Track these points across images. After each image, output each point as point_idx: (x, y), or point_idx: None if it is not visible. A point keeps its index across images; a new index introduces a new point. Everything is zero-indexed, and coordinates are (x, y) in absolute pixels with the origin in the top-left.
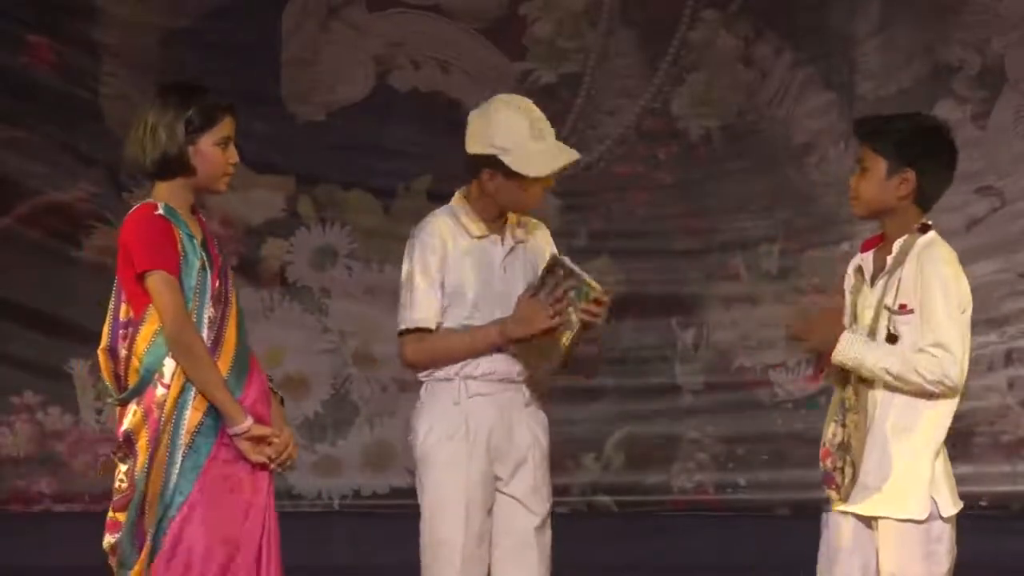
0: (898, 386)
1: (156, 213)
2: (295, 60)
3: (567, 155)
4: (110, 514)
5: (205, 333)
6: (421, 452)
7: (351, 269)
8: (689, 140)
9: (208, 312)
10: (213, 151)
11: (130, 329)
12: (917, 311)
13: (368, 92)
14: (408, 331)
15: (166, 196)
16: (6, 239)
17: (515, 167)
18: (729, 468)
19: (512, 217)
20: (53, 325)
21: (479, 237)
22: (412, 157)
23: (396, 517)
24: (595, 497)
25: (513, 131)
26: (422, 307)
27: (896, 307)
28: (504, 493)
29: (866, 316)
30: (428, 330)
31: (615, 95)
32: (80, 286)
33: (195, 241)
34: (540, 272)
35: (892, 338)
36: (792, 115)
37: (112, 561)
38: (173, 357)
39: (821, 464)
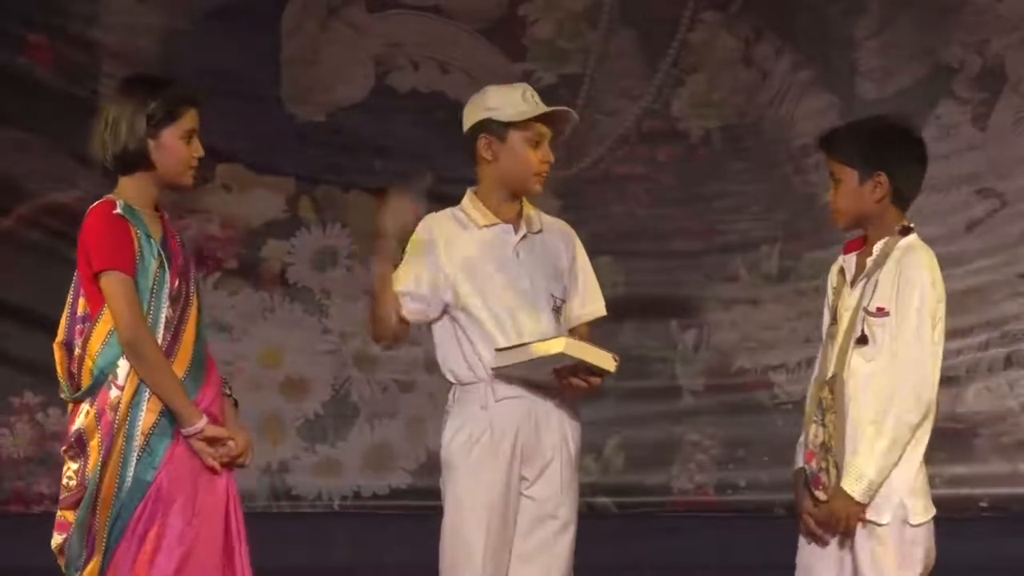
0: (908, 437)
1: (114, 212)
2: (295, 60)
3: (553, 107)
4: (59, 514)
5: (161, 334)
6: (445, 455)
7: (351, 270)
8: (689, 141)
9: (165, 312)
10: (177, 144)
11: (86, 325)
12: (892, 314)
13: (368, 92)
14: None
15: (129, 192)
16: (6, 239)
17: (503, 118)
18: (729, 469)
19: (529, 208)
20: (53, 326)
21: (486, 225)
22: (412, 157)
23: (396, 518)
24: (595, 498)
25: (505, 95)
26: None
27: (873, 309)
28: (526, 495)
29: (845, 318)
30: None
31: (615, 96)
32: None
33: (153, 241)
34: (540, 352)
35: (863, 339)
36: (792, 116)
37: (60, 561)
38: (127, 359)
39: (806, 466)
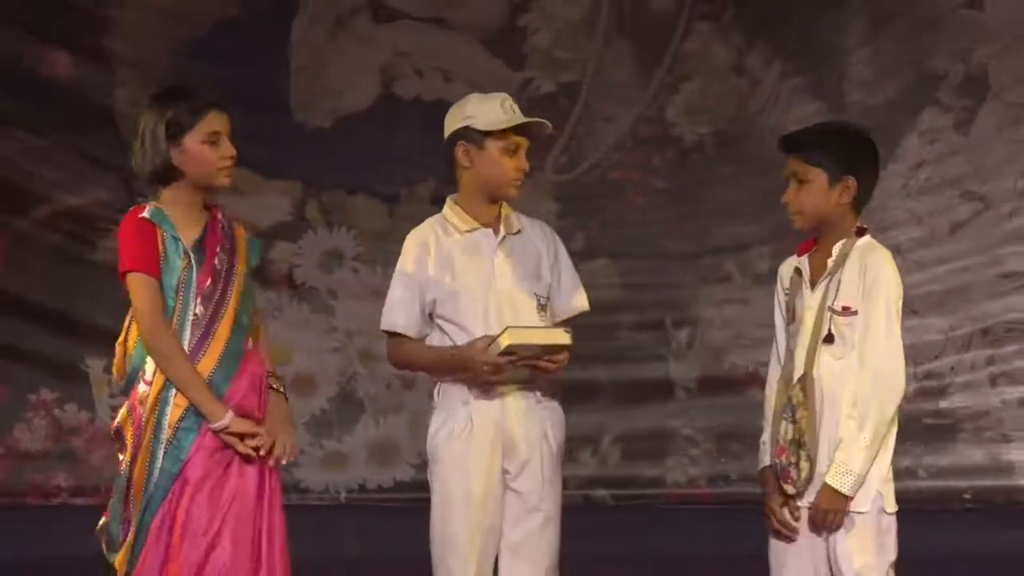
0: (887, 430)
1: (140, 216)
2: (303, 69)
3: (529, 118)
4: (111, 501)
5: (189, 330)
6: (431, 449)
7: (357, 271)
8: (683, 146)
9: (196, 310)
10: (200, 149)
11: (130, 324)
12: (861, 312)
13: (373, 100)
14: (387, 331)
15: (170, 199)
16: (24, 242)
17: (482, 126)
18: (721, 462)
19: (507, 210)
20: (69, 325)
21: (468, 231)
22: (415, 163)
23: (400, 510)
24: (592, 491)
25: (484, 104)
26: (396, 313)
27: (839, 308)
28: (512, 488)
29: (808, 318)
30: (404, 335)
31: (612, 103)
32: (94, 287)
33: (180, 242)
34: (497, 349)
35: (830, 338)
36: (782, 123)
37: (102, 544)
38: (149, 356)
39: (776, 460)
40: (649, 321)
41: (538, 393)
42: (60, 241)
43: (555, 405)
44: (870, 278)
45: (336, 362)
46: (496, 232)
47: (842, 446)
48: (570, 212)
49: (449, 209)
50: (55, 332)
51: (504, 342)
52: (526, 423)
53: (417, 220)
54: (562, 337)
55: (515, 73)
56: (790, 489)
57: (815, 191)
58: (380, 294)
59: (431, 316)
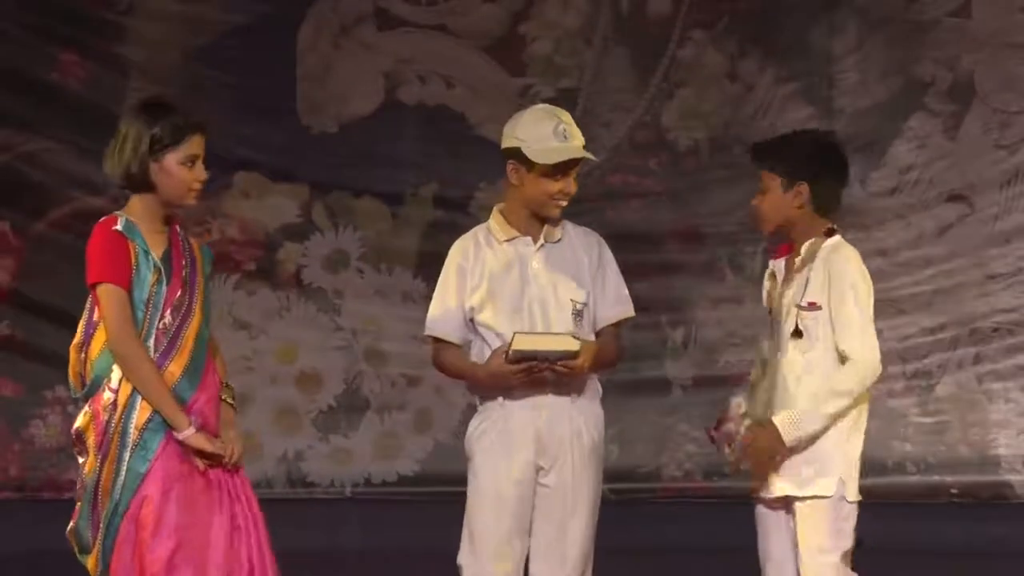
0: (845, 411)
1: (113, 229)
2: (309, 76)
3: (577, 152)
4: (77, 504)
5: (155, 339)
6: (467, 446)
7: (362, 271)
8: (678, 150)
9: (163, 321)
10: (178, 169)
11: (92, 332)
12: (825, 308)
13: (378, 106)
14: (431, 335)
15: (136, 209)
16: (40, 243)
17: (529, 155)
18: (716, 457)
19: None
20: None
21: (507, 240)
22: (419, 166)
23: (404, 503)
24: None
25: (537, 127)
26: (438, 320)
27: (805, 304)
28: (542, 484)
29: (780, 315)
30: (446, 341)
31: (609, 109)
32: None
33: (150, 256)
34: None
35: (798, 333)
36: (775, 127)
37: (74, 547)
38: (117, 364)
39: (726, 425)
40: (646, 321)
41: (573, 394)
42: (74, 242)
43: (592, 404)
44: (834, 276)
45: (342, 360)
46: (535, 241)
47: (806, 408)
48: (569, 214)
49: (493, 219)
50: (69, 331)
51: (513, 347)
52: (558, 421)
53: (420, 222)
54: (570, 343)
55: (515, 79)
56: (731, 456)
57: (770, 197)
58: (384, 294)
59: (472, 322)
